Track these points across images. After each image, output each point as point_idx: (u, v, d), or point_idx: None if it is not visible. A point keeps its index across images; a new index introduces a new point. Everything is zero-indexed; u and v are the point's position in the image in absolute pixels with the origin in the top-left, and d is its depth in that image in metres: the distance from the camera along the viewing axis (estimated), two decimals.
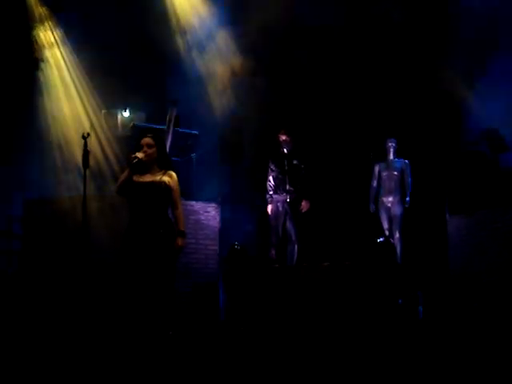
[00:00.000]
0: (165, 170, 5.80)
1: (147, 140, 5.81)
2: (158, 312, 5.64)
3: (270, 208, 8.87)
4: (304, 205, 8.77)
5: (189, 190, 9.33)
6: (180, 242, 5.69)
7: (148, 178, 5.73)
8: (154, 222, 5.66)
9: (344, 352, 6.03)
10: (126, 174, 5.73)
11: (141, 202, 5.70)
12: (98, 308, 6.76)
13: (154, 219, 5.66)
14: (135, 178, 5.73)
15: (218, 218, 9.08)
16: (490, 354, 5.42)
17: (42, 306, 7.72)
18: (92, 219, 6.92)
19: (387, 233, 9.15)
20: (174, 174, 5.81)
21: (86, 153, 5.73)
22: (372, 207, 9.42)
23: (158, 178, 5.73)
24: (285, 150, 8.86)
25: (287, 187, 8.76)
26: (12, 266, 8.76)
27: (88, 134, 5.72)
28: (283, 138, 8.87)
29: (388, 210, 9.27)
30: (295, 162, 8.85)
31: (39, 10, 9.33)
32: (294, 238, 8.86)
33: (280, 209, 8.79)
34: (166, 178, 5.74)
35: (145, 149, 5.75)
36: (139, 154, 5.71)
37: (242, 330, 7.98)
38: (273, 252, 8.80)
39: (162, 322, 5.63)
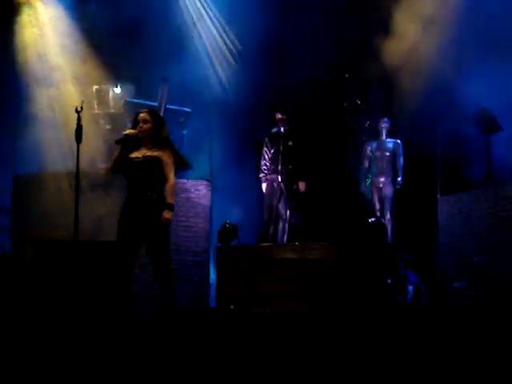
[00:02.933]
0: (160, 146, 5.75)
1: (143, 116, 5.77)
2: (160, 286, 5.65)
3: (264, 187, 8.87)
4: (301, 185, 8.77)
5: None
6: (166, 214, 5.61)
7: (141, 154, 5.71)
8: (147, 199, 5.64)
9: (333, 329, 6.06)
10: (117, 152, 5.72)
11: (133, 178, 5.69)
12: (91, 287, 6.73)
13: (147, 196, 5.64)
14: (130, 155, 5.71)
15: (208, 196, 9.08)
16: (476, 331, 5.46)
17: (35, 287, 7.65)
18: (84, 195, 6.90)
19: (378, 213, 9.16)
20: (167, 149, 5.76)
21: (79, 127, 5.67)
22: (363, 187, 9.43)
23: (149, 153, 5.70)
24: (281, 130, 8.85)
25: (279, 167, 8.75)
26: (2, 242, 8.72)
27: (81, 108, 5.66)
28: (279, 116, 8.84)
29: (379, 190, 9.27)
30: (290, 142, 8.82)
31: None
32: (285, 216, 8.88)
33: (274, 188, 8.79)
34: (157, 153, 5.70)
35: (140, 124, 5.73)
36: (129, 131, 5.70)
37: (231, 309, 8.01)
38: (263, 230, 8.81)
39: (164, 296, 5.65)
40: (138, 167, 5.67)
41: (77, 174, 5.67)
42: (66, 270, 6.26)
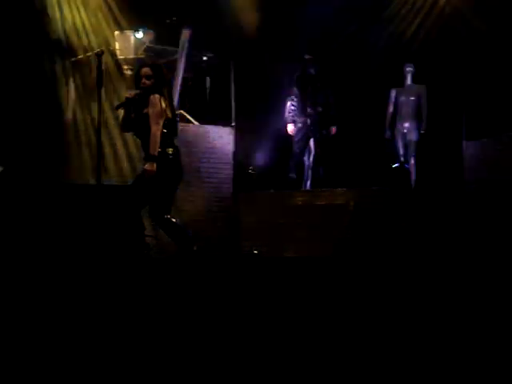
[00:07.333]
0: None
1: (146, 71, 5.67)
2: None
3: (290, 128, 8.79)
4: (332, 129, 8.76)
5: (203, 114, 9.27)
6: (147, 166, 5.59)
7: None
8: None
9: (356, 274, 6.09)
10: (123, 113, 5.79)
11: (137, 136, 5.89)
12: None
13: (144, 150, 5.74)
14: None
15: (231, 142, 9.04)
16: (498, 276, 5.46)
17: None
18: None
19: (402, 159, 9.10)
20: (150, 98, 5.59)
21: (100, 72, 5.65)
22: (387, 133, 9.34)
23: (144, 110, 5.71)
24: (312, 71, 8.74)
25: (308, 110, 8.67)
26: None
27: (102, 52, 5.63)
28: (307, 56, 8.71)
29: (404, 135, 9.19)
30: (319, 84, 8.72)
31: None
32: (308, 162, 8.86)
33: (302, 131, 8.72)
34: (146, 109, 5.63)
35: (143, 80, 5.65)
36: (129, 94, 5.77)
37: (255, 254, 8.07)
38: (288, 175, 8.79)
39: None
40: (134, 125, 5.77)
41: (99, 119, 5.68)
42: (90, 214, 6.31)
